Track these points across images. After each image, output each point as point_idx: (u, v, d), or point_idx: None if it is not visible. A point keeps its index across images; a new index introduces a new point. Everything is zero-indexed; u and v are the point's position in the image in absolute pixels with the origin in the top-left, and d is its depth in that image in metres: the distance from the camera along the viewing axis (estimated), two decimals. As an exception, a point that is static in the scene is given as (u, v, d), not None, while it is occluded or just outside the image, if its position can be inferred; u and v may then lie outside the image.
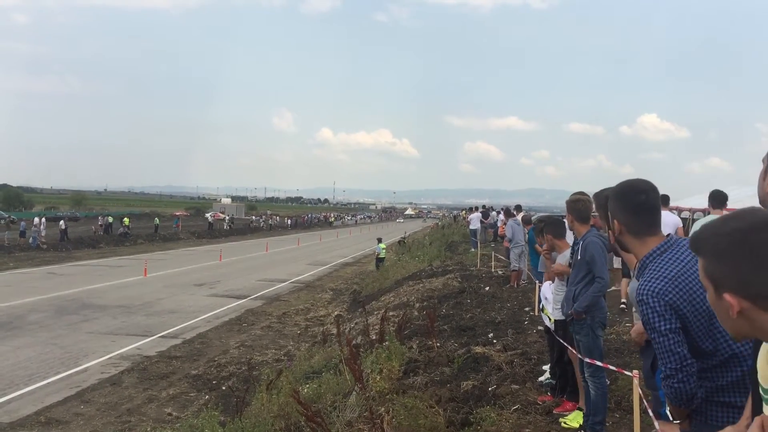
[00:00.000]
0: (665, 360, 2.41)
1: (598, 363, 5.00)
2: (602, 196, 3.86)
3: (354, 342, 9.55)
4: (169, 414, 10.50)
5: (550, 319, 6.27)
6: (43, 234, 39.56)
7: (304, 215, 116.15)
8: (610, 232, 2.83)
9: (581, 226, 5.18)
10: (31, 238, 39.02)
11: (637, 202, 2.60)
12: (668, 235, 2.60)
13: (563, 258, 5.95)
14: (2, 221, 42.45)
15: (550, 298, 6.20)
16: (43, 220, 41.24)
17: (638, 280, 2.53)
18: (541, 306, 6.73)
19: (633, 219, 2.60)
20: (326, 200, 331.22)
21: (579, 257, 5.06)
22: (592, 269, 4.98)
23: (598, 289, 4.99)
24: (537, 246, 8.93)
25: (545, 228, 6.24)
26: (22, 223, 43.04)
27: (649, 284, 2.44)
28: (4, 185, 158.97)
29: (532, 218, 15.01)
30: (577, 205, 5.19)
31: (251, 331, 17.78)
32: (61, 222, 44.84)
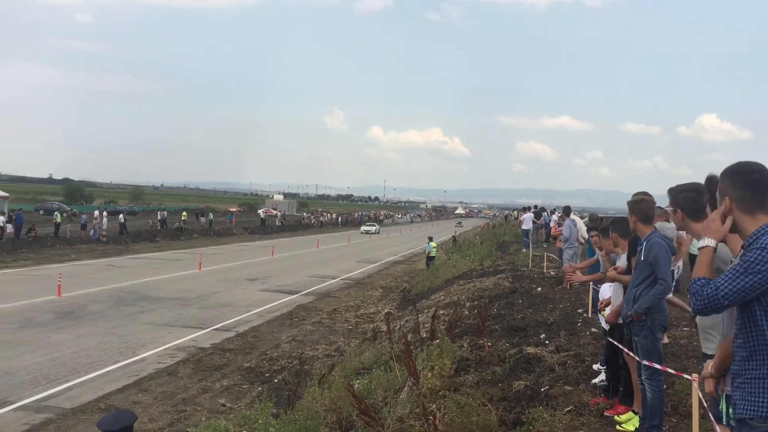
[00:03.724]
0: (725, 285, 2.53)
1: (657, 366, 4.91)
2: (681, 190, 3.83)
3: (401, 341, 9.58)
4: (223, 405, 10.72)
5: (606, 321, 6.18)
6: (104, 227, 40.78)
7: (354, 213, 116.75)
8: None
9: (645, 227, 5.10)
10: (92, 231, 40.26)
11: (752, 179, 2.71)
12: None
13: (623, 262, 5.85)
14: (65, 214, 43.91)
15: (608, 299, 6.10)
16: (105, 213, 42.54)
17: (744, 251, 2.62)
18: (597, 308, 6.63)
19: (746, 196, 2.71)
20: (376, 198, 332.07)
21: (642, 258, 4.98)
22: (655, 270, 4.90)
23: (660, 291, 4.90)
24: (595, 247, 8.80)
25: (612, 226, 6.13)
26: (84, 216, 44.47)
27: None
28: (66, 179, 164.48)
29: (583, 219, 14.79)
30: (641, 205, 5.12)
31: (302, 327, 18.01)
32: (121, 216, 46.17)
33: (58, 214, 42.04)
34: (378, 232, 73.43)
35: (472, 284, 17.83)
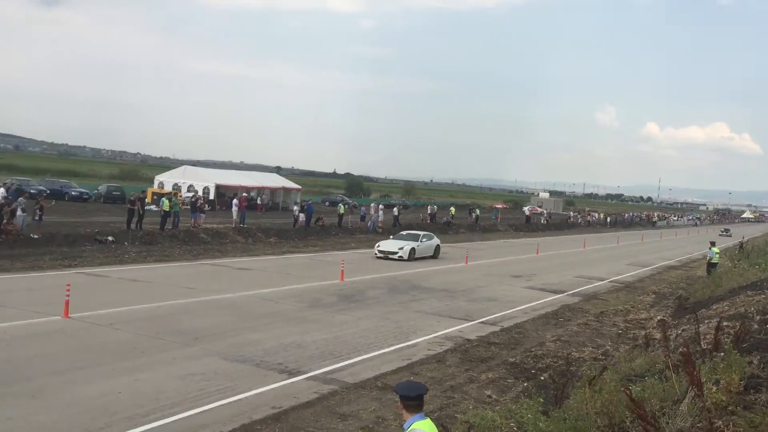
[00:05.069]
0: None
1: None
2: None
3: (682, 349, 8.96)
4: (489, 396, 10.97)
5: None
6: (380, 219, 43.87)
7: (624, 213, 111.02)
8: None
9: None
10: (369, 222, 43.53)
11: None
12: None
13: None
14: (347, 206, 48.07)
15: None
16: (381, 206, 45.80)
17: None
18: None
19: None
20: (649, 198, 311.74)
21: None
22: None
23: None
24: None
25: None
26: (363, 208, 48.23)
27: None
28: (348, 174, 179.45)
29: None
30: None
31: (567, 327, 17.67)
32: (395, 209, 49.26)
33: (342, 206, 46.13)
34: (409, 258, 29.63)
35: (763, 296, 16.04)
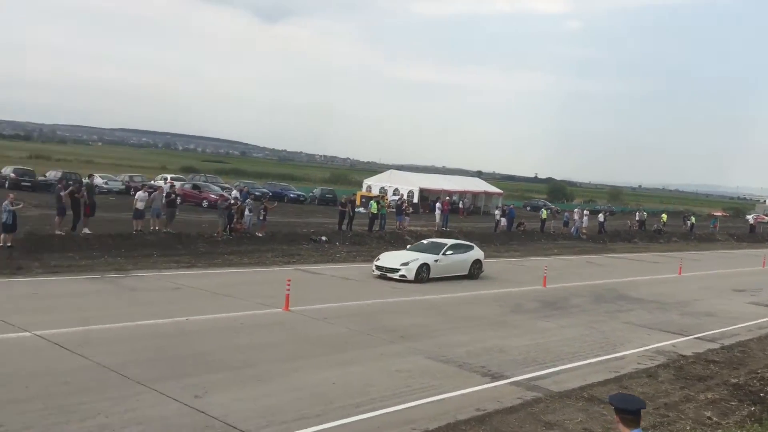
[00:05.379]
0: None
1: None
2: None
3: None
4: (709, 418, 10.16)
5: None
6: (584, 225, 42.37)
7: None
8: None
9: None
10: (573, 228, 42.20)
11: None
12: None
13: None
14: (549, 211, 46.95)
15: None
16: (585, 212, 44.22)
17: None
18: None
19: None
20: None
21: None
22: None
23: None
24: None
25: None
26: (566, 213, 46.87)
27: None
28: (549, 179, 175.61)
29: None
30: None
31: (802, 349, 15.86)
32: (600, 215, 47.27)
33: (545, 211, 45.18)
34: (417, 278, 20.60)
35: None
